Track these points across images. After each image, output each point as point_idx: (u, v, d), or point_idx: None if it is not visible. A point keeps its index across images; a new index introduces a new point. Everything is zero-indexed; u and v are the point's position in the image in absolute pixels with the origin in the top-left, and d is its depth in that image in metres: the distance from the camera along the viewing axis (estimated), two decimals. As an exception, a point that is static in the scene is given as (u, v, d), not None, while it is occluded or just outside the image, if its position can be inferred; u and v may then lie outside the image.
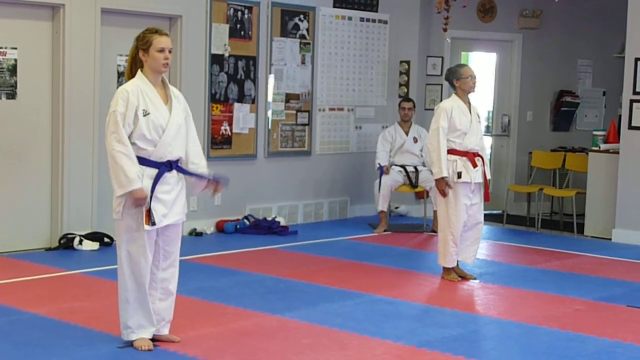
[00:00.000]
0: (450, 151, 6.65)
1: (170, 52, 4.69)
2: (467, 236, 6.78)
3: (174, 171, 4.68)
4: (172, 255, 4.79)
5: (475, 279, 6.83)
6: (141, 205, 4.52)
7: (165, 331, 4.83)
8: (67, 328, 5.10)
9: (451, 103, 6.71)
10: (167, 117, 4.62)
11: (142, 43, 4.63)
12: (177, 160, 4.70)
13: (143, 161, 4.57)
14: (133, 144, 4.54)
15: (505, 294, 6.44)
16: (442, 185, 6.63)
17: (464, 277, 6.80)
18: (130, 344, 4.70)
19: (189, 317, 5.24)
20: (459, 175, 6.60)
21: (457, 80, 6.70)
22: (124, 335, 4.72)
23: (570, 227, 9.34)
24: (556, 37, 10.74)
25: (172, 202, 4.67)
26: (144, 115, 4.54)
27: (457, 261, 6.82)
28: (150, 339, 4.72)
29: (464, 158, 6.65)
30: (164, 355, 4.63)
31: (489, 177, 6.88)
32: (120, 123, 4.50)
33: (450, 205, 6.65)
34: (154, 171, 4.60)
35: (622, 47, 9.09)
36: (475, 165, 6.65)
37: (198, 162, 4.79)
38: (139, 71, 4.66)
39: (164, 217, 4.63)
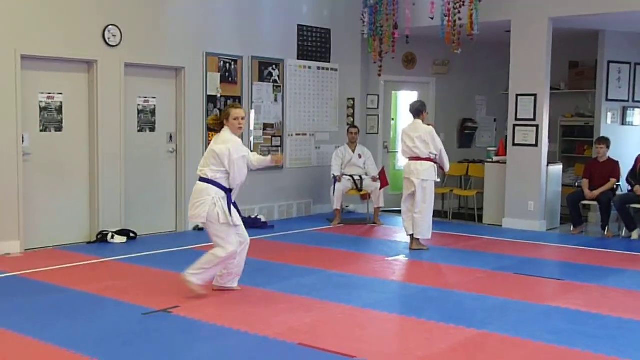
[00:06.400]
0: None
1: (242, 119, 5.02)
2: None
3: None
4: (242, 236, 5.27)
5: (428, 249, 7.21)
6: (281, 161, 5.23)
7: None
8: (103, 301, 5.06)
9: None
10: None
11: (225, 114, 4.99)
12: None
13: (222, 187, 4.97)
14: (226, 173, 4.99)
15: (427, 266, 6.50)
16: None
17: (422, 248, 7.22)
18: (188, 283, 5.01)
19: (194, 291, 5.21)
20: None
21: (426, 112, 7.27)
22: (189, 275, 5.01)
23: (473, 217, 9.46)
24: (460, 79, 10.87)
25: (234, 212, 5.14)
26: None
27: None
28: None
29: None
30: (174, 319, 4.60)
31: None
32: (246, 157, 5.03)
33: (434, 194, 7.11)
34: (225, 193, 5.03)
35: (506, 86, 9.22)
36: None
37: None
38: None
39: (235, 219, 5.13)
